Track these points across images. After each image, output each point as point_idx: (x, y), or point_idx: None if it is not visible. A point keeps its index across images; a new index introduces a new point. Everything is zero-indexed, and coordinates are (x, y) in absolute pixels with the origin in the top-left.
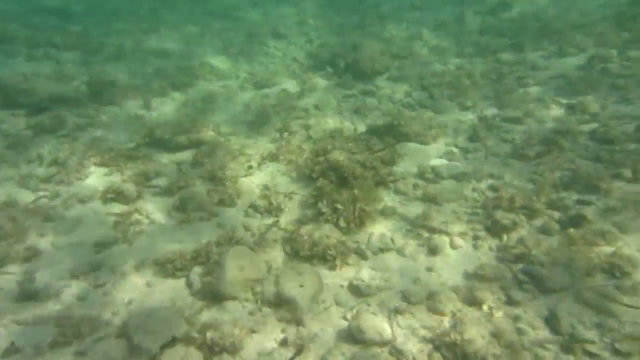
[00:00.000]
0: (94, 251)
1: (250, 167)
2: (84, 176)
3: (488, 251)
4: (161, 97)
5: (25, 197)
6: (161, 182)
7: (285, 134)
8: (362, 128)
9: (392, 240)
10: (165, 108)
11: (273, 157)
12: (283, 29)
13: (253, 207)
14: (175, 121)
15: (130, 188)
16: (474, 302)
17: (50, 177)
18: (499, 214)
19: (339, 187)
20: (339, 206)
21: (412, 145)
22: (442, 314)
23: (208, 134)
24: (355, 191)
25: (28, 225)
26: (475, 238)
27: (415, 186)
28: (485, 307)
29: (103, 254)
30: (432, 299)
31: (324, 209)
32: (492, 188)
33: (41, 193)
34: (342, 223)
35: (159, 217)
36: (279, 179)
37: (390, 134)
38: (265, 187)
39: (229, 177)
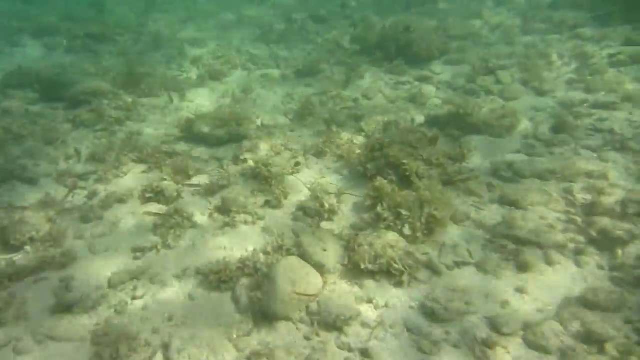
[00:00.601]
0: (132, 257)
1: (297, 164)
2: (122, 174)
3: (597, 270)
4: (199, 87)
5: (63, 195)
6: (201, 180)
7: (333, 127)
8: (420, 119)
9: (469, 252)
10: (204, 99)
11: (321, 153)
12: (324, 12)
13: (302, 209)
14: (214, 114)
15: (169, 187)
16: (590, 339)
17: (88, 175)
18: (608, 223)
19: (400, 188)
20: (403, 211)
21: (481, 138)
22: (546, 351)
23: (249, 127)
24: (423, 193)
25: (65, 227)
26: (578, 252)
27: (490, 186)
28: (610, 349)
29: (142, 260)
30: (530, 330)
31: (385, 214)
32: (591, 189)
33: (79, 191)
34: (407, 231)
35: (200, 219)
36: (328, 177)
37: (454, 125)
38: (315, 186)
39: (274, 175)
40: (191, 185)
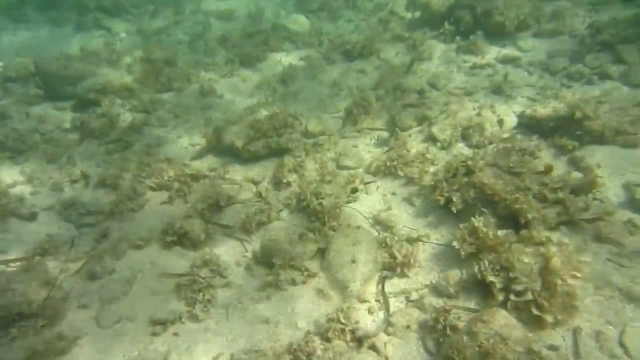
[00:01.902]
0: (151, 332)
1: (354, 190)
2: (138, 207)
3: None
4: (229, 77)
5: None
6: (234, 213)
7: (397, 132)
8: (510, 120)
9: (622, 343)
10: (235, 94)
11: (384, 170)
12: None
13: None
14: (248, 120)
15: (196, 226)
16: None
17: (95, 211)
18: None
19: (504, 234)
20: (519, 276)
21: (607, 149)
22: None
23: (292, 135)
24: (549, 254)
25: (66, 292)
26: None
27: (631, 226)
28: None
29: (162, 337)
30: None
31: (489, 277)
32: None
33: (85, 230)
34: (533, 310)
35: (235, 274)
36: (396, 209)
37: (564, 131)
38: (380, 225)
39: (326, 209)
40: (222, 226)
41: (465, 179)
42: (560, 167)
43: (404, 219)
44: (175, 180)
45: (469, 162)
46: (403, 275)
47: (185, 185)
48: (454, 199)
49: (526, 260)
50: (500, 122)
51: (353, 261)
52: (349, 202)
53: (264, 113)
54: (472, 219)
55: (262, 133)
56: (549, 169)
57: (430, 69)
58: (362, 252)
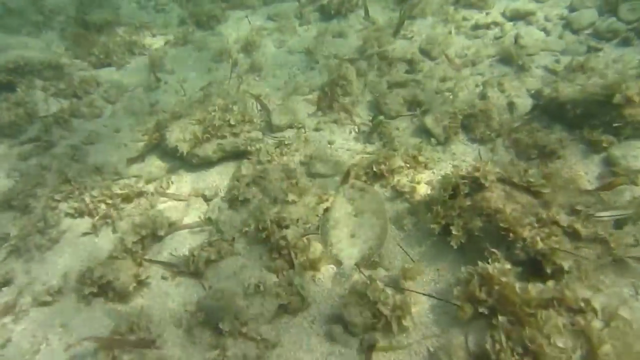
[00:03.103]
0: None
1: (327, 211)
2: (50, 242)
3: None
4: (181, 44)
5: None
6: (178, 246)
7: (382, 122)
8: (524, 102)
9: None
10: (188, 68)
11: (366, 180)
12: None
13: (340, 318)
14: (197, 111)
15: (124, 271)
16: None
17: None
18: None
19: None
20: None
21: None
22: None
23: (251, 134)
24: (593, 330)
25: None
26: None
27: None
28: None
29: None
30: None
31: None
32: None
33: None
34: None
35: (173, 341)
36: (389, 241)
37: (598, 121)
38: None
39: (291, 243)
40: (160, 264)
41: (469, 201)
42: (591, 172)
43: (390, 248)
44: (101, 202)
45: (475, 174)
46: (391, 334)
47: (114, 209)
48: (454, 230)
49: (560, 343)
50: (511, 106)
51: None
52: (319, 228)
53: (217, 102)
54: (484, 264)
55: (214, 131)
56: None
57: (423, 30)
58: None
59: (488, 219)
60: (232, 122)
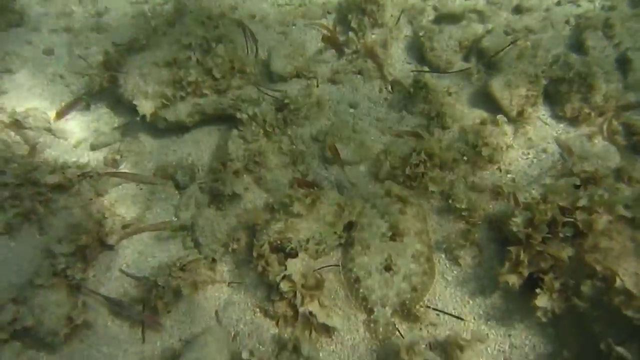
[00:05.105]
0: None
1: (351, 227)
2: None
3: None
4: None
5: None
6: (136, 264)
7: (425, 84)
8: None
9: None
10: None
11: (408, 178)
12: None
13: None
14: (169, 47)
15: (52, 311)
16: None
17: None
18: None
19: None
20: None
21: None
22: None
23: (243, 92)
24: None
25: None
26: None
27: None
28: None
29: None
30: None
31: None
32: None
33: None
34: None
35: None
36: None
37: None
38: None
39: (299, 283)
40: (107, 300)
41: (570, 248)
42: None
43: (438, 293)
44: (19, 188)
45: (584, 203)
46: None
47: (41, 203)
48: (543, 296)
49: None
50: (625, 66)
51: None
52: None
53: (196, 33)
54: None
55: (190, 85)
56: None
57: None
58: None
59: (605, 285)
60: (217, 75)
